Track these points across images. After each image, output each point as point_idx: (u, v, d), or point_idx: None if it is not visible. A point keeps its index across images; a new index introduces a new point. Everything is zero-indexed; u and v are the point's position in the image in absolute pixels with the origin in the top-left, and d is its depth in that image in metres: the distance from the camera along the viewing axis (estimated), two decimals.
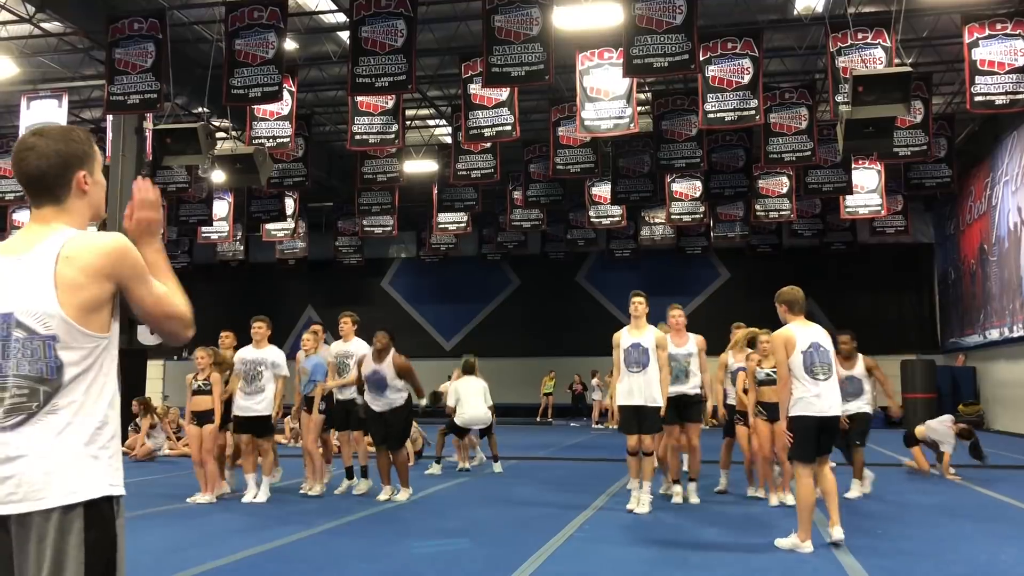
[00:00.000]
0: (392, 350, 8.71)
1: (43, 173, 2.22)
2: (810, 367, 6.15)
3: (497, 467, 11.49)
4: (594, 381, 24.22)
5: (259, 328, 8.97)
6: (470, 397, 11.09)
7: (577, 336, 27.49)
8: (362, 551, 6.33)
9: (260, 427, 8.84)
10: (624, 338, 7.94)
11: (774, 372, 7.37)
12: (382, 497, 8.75)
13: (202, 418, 8.85)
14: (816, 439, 6.15)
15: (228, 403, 8.98)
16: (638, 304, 8.03)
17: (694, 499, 8.44)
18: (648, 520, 7.49)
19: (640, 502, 7.80)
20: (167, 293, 2.27)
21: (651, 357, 7.76)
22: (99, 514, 2.12)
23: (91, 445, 2.14)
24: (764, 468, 8.44)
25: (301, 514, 7.98)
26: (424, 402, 9.38)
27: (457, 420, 11.12)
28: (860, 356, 8.89)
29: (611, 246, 26.06)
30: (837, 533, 6.19)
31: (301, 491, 9.29)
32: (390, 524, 7.49)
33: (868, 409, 8.82)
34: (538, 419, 25.27)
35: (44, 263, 2.12)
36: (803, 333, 6.28)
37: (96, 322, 2.17)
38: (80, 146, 2.28)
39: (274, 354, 8.94)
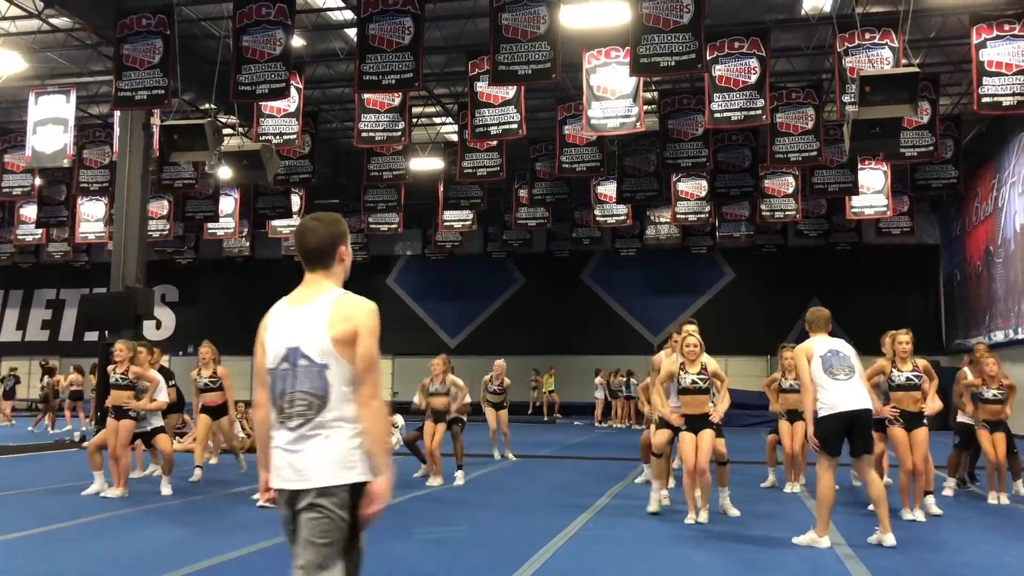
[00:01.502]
0: None
1: (319, 249, 3.09)
2: (828, 369, 6.41)
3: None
4: (597, 380, 24.18)
5: None
6: None
7: (582, 335, 27.51)
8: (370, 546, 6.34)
9: None
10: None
11: (911, 378, 7.55)
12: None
13: (119, 412, 8.76)
14: (845, 436, 6.33)
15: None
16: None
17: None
18: (652, 519, 7.51)
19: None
20: (376, 365, 2.99)
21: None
22: (357, 493, 2.92)
23: (350, 445, 2.94)
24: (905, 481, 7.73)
25: None
26: None
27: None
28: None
29: (616, 245, 26.03)
30: (889, 540, 6.29)
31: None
32: (393, 521, 7.51)
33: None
34: (546, 418, 25.28)
35: (320, 312, 2.98)
36: (821, 342, 6.60)
37: (350, 355, 2.95)
38: (342, 227, 3.15)
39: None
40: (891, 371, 7.57)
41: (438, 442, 10.15)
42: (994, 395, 8.79)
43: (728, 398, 7.55)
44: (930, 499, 7.89)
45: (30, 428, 18.75)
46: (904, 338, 7.62)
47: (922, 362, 7.75)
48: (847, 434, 6.31)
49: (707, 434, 7.34)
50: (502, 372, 12.42)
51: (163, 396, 9.13)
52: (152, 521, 7.39)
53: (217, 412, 10.16)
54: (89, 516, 7.55)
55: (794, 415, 9.22)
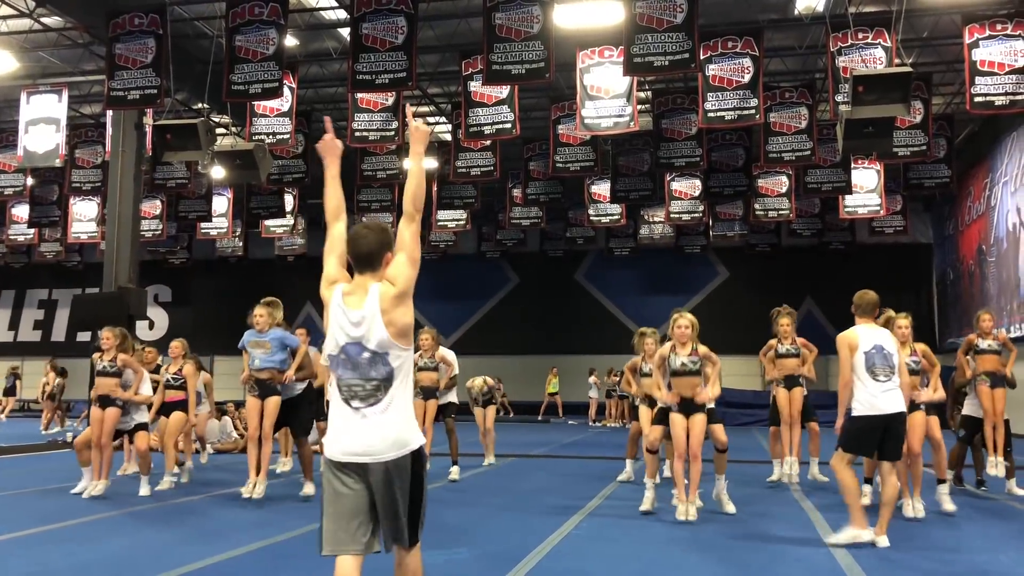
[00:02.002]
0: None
1: (370, 254, 3.46)
2: (871, 368, 6.23)
3: None
4: (591, 379, 24.19)
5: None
6: None
7: (576, 334, 27.50)
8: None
9: None
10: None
11: (910, 363, 7.34)
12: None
13: (104, 401, 8.67)
14: (878, 439, 6.22)
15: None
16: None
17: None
18: (646, 519, 7.50)
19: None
20: (404, 256, 3.48)
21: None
22: (419, 456, 3.46)
23: (408, 417, 3.46)
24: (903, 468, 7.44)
25: (300, 510, 8.00)
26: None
27: None
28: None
29: (610, 244, 26.05)
30: (883, 542, 6.23)
31: (244, 494, 8.43)
32: None
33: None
34: (540, 417, 25.27)
35: (374, 308, 3.39)
36: (867, 334, 6.36)
37: (405, 341, 3.44)
38: (389, 236, 3.53)
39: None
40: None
41: (430, 420, 10.10)
42: (989, 345, 9.02)
43: (719, 384, 7.38)
44: (919, 503, 7.82)
45: (56, 430, 18.65)
46: (903, 322, 7.53)
47: (921, 346, 7.72)
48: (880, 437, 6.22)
49: (699, 418, 7.24)
50: (481, 386, 12.12)
51: (147, 389, 9.06)
52: (143, 523, 7.36)
53: (174, 408, 9.88)
54: (80, 517, 7.52)
55: (792, 381, 9.29)
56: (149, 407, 9.45)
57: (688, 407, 7.28)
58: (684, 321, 7.35)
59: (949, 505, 7.75)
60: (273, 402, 8.42)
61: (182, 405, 9.92)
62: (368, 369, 3.39)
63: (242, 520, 7.50)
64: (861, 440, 6.25)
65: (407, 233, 3.51)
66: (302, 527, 7.02)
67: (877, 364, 6.23)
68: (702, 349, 7.36)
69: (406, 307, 3.44)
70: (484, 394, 12.16)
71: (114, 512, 7.85)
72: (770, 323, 9.79)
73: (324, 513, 3.41)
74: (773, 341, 9.62)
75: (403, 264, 3.46)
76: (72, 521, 7.34)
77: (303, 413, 8.99)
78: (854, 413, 6.25)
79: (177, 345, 10.07)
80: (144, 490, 8.80)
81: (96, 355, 8.99)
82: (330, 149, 3.91)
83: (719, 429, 7.62)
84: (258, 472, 8.40)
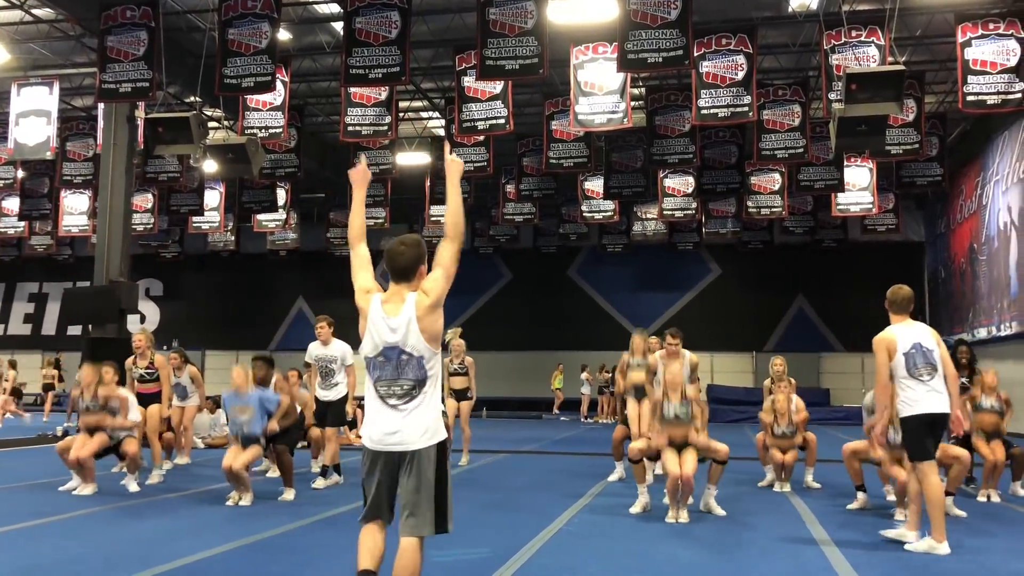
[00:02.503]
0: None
1: (406, 267, 3.92)
2: (913, 369, 6.03)
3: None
4: (583, 375, 24.21)
5: (322, 327, 9.20)
6: None
7: (568, 330, 27.51)
8: (350, 543, 6.31)
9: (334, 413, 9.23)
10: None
11: None
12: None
13: (92, 429, 8.65)
14: (928, 437, 6.02)
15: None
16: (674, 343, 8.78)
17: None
18: (637, 517, 7.51)
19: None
20: (440, 271, 3.84)
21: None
22: (443, 447, 3.85)
23: (437, 412, 3.87)
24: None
25: (289, 506, 7.98)
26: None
27: None
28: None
29: (603, 241, 26.06)
30: (909, 536, 6.17)
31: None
32: None
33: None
34: (555, 412, 25.27)
35: (409, 316, 3.80)
36: (905, 334, 6.15)
37: (436, 345, 3.83)
38: (423, 250, 3.95)
39: (341, 348, 9.23)
40: None
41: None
42: (991, 405, 8.72)
43: (706, 430, 7.46)
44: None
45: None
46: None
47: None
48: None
49: (690, 451, 7.28)
50: (461, 350, 11.33)
51: (135, 414, 9.00)
52: (133, 518, 7.34)
53: (154, 399, 9.94)
54: (69, 512, 7.49)
55: (786, 450, 9.23)
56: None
57: (679, 445, 7.36)
58: (676, 368, 7.44)
59: (958, 512, 7.68)
60: (253, 450, 8.22)
61: (159, 397, 9.96)
62: (404, 370, 3.80)
63: (232, 515, 7.48)
64: (924, 441, 5.98)
65: (447, 253, 3.86)
66: (292, 522, 7.01)
67: (919, 364, 6.02)
68: (691, 393, 7.47)
69: (437, 316, 3.83)
70: (460, 370, 11.22)
71: (104, 507, 7.82)
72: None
73: (363, 492, 3.90)
74: (768, 419, 9.31)
75: (439, 279, 3.82)
76: (62, 516, 7.32)
77: (290, 430, 8.96)
78: (903, 414, 6.05)
79: (141, 338, 9.95)
80: (133, 487, 8.77)
81: (75, 392, 8.93)
82: (361, 177, 4.27)
83: (722, 445, 7.55)
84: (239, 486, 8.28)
